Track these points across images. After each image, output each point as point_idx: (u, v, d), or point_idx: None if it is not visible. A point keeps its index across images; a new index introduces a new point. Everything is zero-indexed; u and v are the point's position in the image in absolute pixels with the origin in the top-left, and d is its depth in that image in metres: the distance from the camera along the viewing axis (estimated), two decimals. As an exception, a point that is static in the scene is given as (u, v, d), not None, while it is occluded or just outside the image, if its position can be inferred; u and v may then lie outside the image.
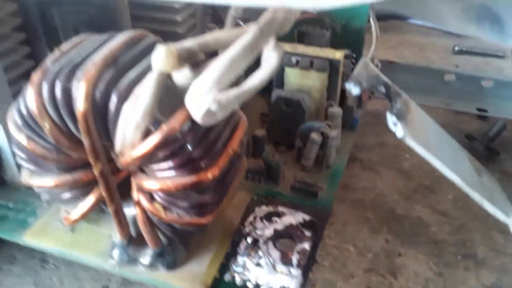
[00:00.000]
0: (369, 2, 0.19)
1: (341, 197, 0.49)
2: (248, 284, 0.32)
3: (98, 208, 0.33)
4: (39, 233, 0.35)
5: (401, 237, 0.45)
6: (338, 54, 0.41)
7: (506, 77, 0.58)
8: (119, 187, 0.30)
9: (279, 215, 0.36)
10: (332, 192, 0.39)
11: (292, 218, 0.36)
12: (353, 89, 0.27)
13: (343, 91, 0.45)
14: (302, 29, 0.46)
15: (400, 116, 0.27)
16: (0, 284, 0.39)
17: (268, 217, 0.36)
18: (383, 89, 0.28)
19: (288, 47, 0.42)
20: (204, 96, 0.24)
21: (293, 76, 0.42)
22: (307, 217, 0.36)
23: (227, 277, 0.32)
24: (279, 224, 0.36)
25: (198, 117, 0.24)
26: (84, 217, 0.32)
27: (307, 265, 0.33)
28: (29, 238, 0.34)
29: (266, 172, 0.40)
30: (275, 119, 0.43)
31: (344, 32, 0.49)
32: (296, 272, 0.32)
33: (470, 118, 0.61)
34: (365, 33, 0.51)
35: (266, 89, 0.44)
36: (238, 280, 0.32)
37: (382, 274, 0.41)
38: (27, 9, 0.35)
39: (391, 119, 0.27)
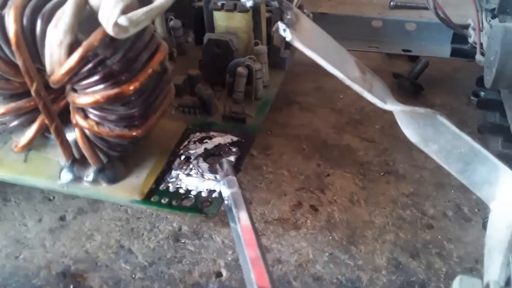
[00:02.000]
0: None
1: (279, 133, 0.54)
2: (180, 190, 0.36)
3: (43, 136, 0.37)
4: (-5, 165, 0.39)
5: (330, 161, 0.50)
6: (257, -5, 0.45)
7: (427, 19, 0.63)
8: (60, 116, 0.35)
9: (210, 138, 0.41)
10: (260, 119, 0.44)
11: (221, 139, 0.41)
12: (247, 3, 0.32)
13: (270, 34, 0.50)
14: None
15: (289, 24, 0.31)
16: (-35, 220, 0.43)
17: (200, 140, 0.41)
18: (276, 3, 0.32)
19: (213, -8, 0.46)
20: (112, 9, 0.28)
21: (220, 20, 0.47)
22: (235, 138, 0.41)
23: (161, 187, 0.37)
24: (209, 144, 0.40)
25: (109, 29, 0.29)
26: (31, 143, 0.36)
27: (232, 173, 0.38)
28: (-15, 170, 0.39)
29: (200, 105, 0.44)
30: (208, 60, 0.47)
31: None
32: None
33: (401, 61, 0.67)
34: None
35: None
36: (171, 187, 0.37)
37: (311, 191, 0.47)
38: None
39: (281, 27, 0.31)
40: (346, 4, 0.83)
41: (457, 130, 0.33)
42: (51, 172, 0.38)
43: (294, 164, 0.50)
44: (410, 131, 0.34)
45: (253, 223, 0.29)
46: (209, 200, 0.35)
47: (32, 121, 0.36)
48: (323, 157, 0.51)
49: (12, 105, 0.35)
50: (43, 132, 0.36)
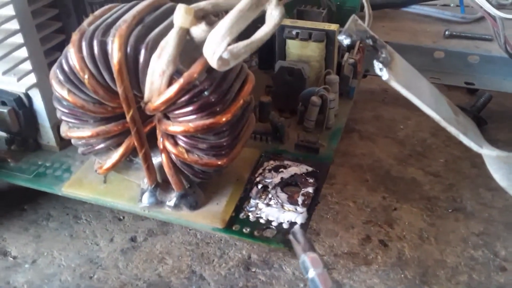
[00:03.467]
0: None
1: (341, 163, 0.54)
2: (260, 220, 0.36)
3: (127, 159, 0.37)
4: (75, 185, 0.39)
5: (396, 195, 0.49)
6: (333, 26, 0.46)
7: (491, 53, 0.63)
8: (146, 138, 0.35)
9: (285, 167, 0.41)
10: (331, 148, 0.44)
11: (296, 168, 0.41)
12: (344, 40, 0.31)
13: (340, 63, 0.50)
14: (301, 8, 0.51)
15: (385, 63, 0.31)
16: (39, 236, 0.43)
17: (276, 169, 0.41)
18: (370, 41, 0.32)
19: (288, 21, 0.47)
20: (219, 43, 0.28)
21: (294, 48, 0.47)
22: (309, 168, 0.41)
23: (241, 215, 0.37)
24: (285, 173, 0.40)
25: (213, 63, 0.29)
26: (116, 165, 0.37)
27: (311, 205, 0.37)
28: (67, 189, 0.39)
29: (272, 132, 0.44)
30: (279, 87, 0.47)
31: (339, 11, 0.54)
32: (301, 209, 0.37)
33: (461, 94, 0.66)
34: (358, 13, 0.56)
35: (270, 66, 0.49)
36: (251, 217, 0.37)
37: (379, 225, 0.46)
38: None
39: (377, 66, 0.31)
40: (401, 31, 0.83)
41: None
42: (132, 194, 0.38)
43: (359, 196, 0.49)
44: (500, 175, 0.33)
45: None
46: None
47: (119, 145, 0.36)
48: (388, 190, 0.50)
49: (102, 128, 0.35)
50: (128, 155, 0.37)
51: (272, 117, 0.44)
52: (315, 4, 0.52)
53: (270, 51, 0.50)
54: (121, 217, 0.45)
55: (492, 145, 0.57)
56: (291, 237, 0.35)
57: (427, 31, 0.83)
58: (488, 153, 0.32)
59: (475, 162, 0.53)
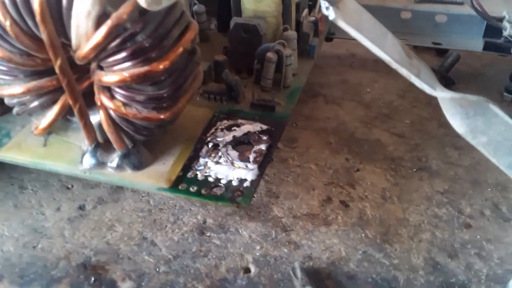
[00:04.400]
0: None
1: (304, 126, 0.52)
2: (209, 178, 0.34)
3: (65, 119, 0.35)
4: (14, 149, 0.37)
5: (360, 156, 0.48)
6: (289, -22, 0.43)
7: (459, 12, 0.61)
8: (84, 97, 0.33)
9: (239, 125, 0.39)
10: (289, 107, 0.42)
11: (250, 126, 0.39)
12: None
13: (299, 21, 0.48)
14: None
15: (332, 1, 0.29)
16: (-20, 207, 0.41)
17: (228, 128, 0.39)
18: (317, -19, 0.30)
19: (242, -25, 0.44)
20: (147, -21, 0.26)
21: (248, 3, 0.44)
22: (264, 126, 0.39)
23: (189, 174, 0.35)
24: (238, 131, 0.38)
25: (142, 1, 0.27)
26: (52, 125, 0.34)
27: (263, 162, 0.35)
28: (4, 154, 0.37)
29: (227, 92, 0.42)
30: (235, 45, 0.45)
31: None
32: (252, 166, 0.35)
33: (429, 55, 0.64)
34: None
35: (227, 27, 0.47)
36: (199, 175, 0.35)
37: (341, 186, 0.44)
38: None
39: (324, 4, 0.29)
40: (371, -3, 0.80)
41: (510, 121, 0.30)
42: (73, 157, 0.36)
43: (321, 158, 0.47)
44: (457, 121, 0.31)
45: None
46: (241, 189, 0.33)
47: (54, 102, 0.34)
48: (352, 152, 0.48)
49: (34, 83, 0.33)
50: (65, 114, 0.34)
51: (225, 76, 0.42)
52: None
53: (229, 13, 0.47)
54: (70, 186, 0.43)
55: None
56: (290, 272, 0.36)
57: (398, -4, 0.81)
58: (442, 95, 0.30)
59: (442, 122, 0.52)
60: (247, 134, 0.38)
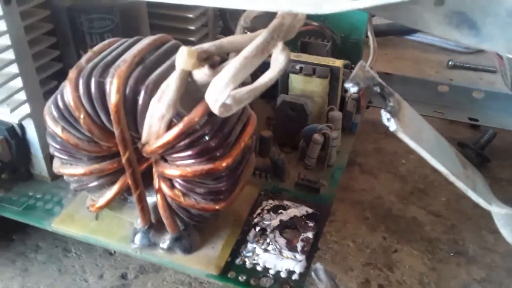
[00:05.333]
0: (362, 8, 0.22)
1: (341, 198, 0.52)
2: (257, 267, 0.35)
3: (121, 197, 0.36)
4: (66, 221, 0.38)
5: (397, 235, 0.48)
6: (338, 62, 0.45)
7: (496, 89, 0.62)
8: (141, 177, 0.34)
9: (285, 208, 0.40)
10: (332, 188, 0.43)
11: (296, 210, 0.39)
12: (352, 88, 0.30)
13: (343, 98, 0.49)
14: (305, 40, 0.50)
15: (393, 113, 0.30)
16: (26, 270, 0.42)
17: (275, 210, 0.39)
18: (378, 89, 0.31)
19: (292, 55, 0.45)
20: (222, 90, 0.27)
21: (297, 82, 0.46)
22: (310, 210, 0.39)
23: (238, 261, 0.35)
24: (285, 215, 0.39)
25: (215, 109, 0.28)
26: (109, 204, 0.35)
27: (310, 252, 0.36)
28: (57, 225, 0.38)
29: (272, 169, 0.43)
30: (280, 122, 0.46)
31: (344, 44, 0.53)
32: (300, 257, 0.35)
33: (463, 128, 0.65)
34: (363, 45, 0.55)
35: (272, 96, 0.48)
36: (248, 263, 0.35)
37: (379, 268, 0.45)
38: (58, 15, 0.39)
39: (385, 115, 0.30)
40: (403, 59, 0.82)
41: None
42: (124, 233, 0.36)
43: (359, 235, 0.48)
44: (508, 231, 0.32)
45: None
46: (289, 283, 0.34)
47: (113, 183, 0.35)
48: (389, 229, 0.49)
49: (96, 166, 0.34)
50: (122, 193, 0.35)
51: (272, 154, 0.43)
52: (320, 36, 0.51)
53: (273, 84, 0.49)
54: (112, 252, 0.44)
55: (496, 184, 0.57)
56: (313, 274, 0.34)
57: (430, 60, 0.82)
58: (497, 211, 0.30)
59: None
60: (293, 218, 0.39)
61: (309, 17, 0.52)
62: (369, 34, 0.53)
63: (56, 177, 0.42)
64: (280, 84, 0.47)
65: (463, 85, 0.62)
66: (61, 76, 0.34)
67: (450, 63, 0.79)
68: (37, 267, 0.42)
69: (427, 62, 0.82)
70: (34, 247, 0.44)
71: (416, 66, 0.79)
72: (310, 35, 0.51)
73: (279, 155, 0.44)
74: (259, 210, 0.39)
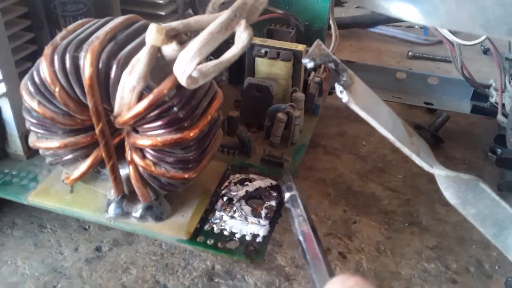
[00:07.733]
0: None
1: (305, 176, 0.55)
2: (224, 232, 0.38)
3: (94, 170, 0.38)
4: (42, 194, 0.40)
5: (356, 208, 0.51)
6: (300, 47, 0.48)
7: (450, 76, 0.66)
8: (114, 151, 0.36)
9: (250, 180, 0.42)
10: (295, 163, 0.46)
11: (261, 182, 0.42)
12: (308, 64, 0.33)
13: (306, 81, 0.52)
14: (271, 27, 0.53)
15: (345, 86, 0.33)
16: (3, 245, 0.43)
17: (241, 182, 0.42)
18: (332, 65, 0.34)
19: (258, 40, 0.48)
20: (189, 63, 0.30)
21: (262, 66, 0.49)
22: (274, 182, 0.42)
23: (206, 227, 0.38)
24: (250, 187, 0.42)
25: (183, 80, 0.30)
26: (83, 176, 0.37)
27: (274, 218, 0.39)
28: (33, 199, 0.39)
29: (239, 147, 0.46)
30: (247, 103, 0.49)
31: (307, 31, 0.56)
32: (264, 222, 0.38)
33: (420, 112, 0.69)
34: (325, 34, 0.58)
35: (240, 80, 0.51)
36: (215, 229, 0.38)
37: (339, 237, 0.48)
38: (32, -1, 0.41)
39: (338, 88, 0.33)
40: (366, 51, 0.86)
41: (496, 197, 0.34)
42: (98, 205, 0.39)
43: (321, 209, 0.51)
44: (450, 193, 0.35)
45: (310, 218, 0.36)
46: (254, 245, 0.36)
47: (87, 156, 0.37)
48: (349, 203, 0.52)
49: (70, 139, 0.36)
50: (96, 166, 0.37)
51: (239, 132, 0.46)
52: (284, 24, 0.54)
53: (239, 67, 0.51)
54: (87, 227, 0.46)
55: (449, 162, 0.61)
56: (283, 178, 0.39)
57: (392, 51, 0.86)
58: (438, 173, 0.34)
59: (431, 178, 0.55)
60: (259, 189, 0.41)
61: (275, 5, 0.55)
62: (331, 22, 0.57)
63: (31, 155, 0.44)
64: (247, 68, 0.50)
65: (419, 72, 0.66)
66: (35, 57, 0.36)
67: (409, 53, 0.83)
68: (13, 242, 0.44)
69: (389, 53, 0.86)
70: (10, 224, 0.45)
71: (378, 57, 0.83)
72: (275, 23, 0.55)
73: (246, 133, 0.46)
74: (226, 183, 0.42)
